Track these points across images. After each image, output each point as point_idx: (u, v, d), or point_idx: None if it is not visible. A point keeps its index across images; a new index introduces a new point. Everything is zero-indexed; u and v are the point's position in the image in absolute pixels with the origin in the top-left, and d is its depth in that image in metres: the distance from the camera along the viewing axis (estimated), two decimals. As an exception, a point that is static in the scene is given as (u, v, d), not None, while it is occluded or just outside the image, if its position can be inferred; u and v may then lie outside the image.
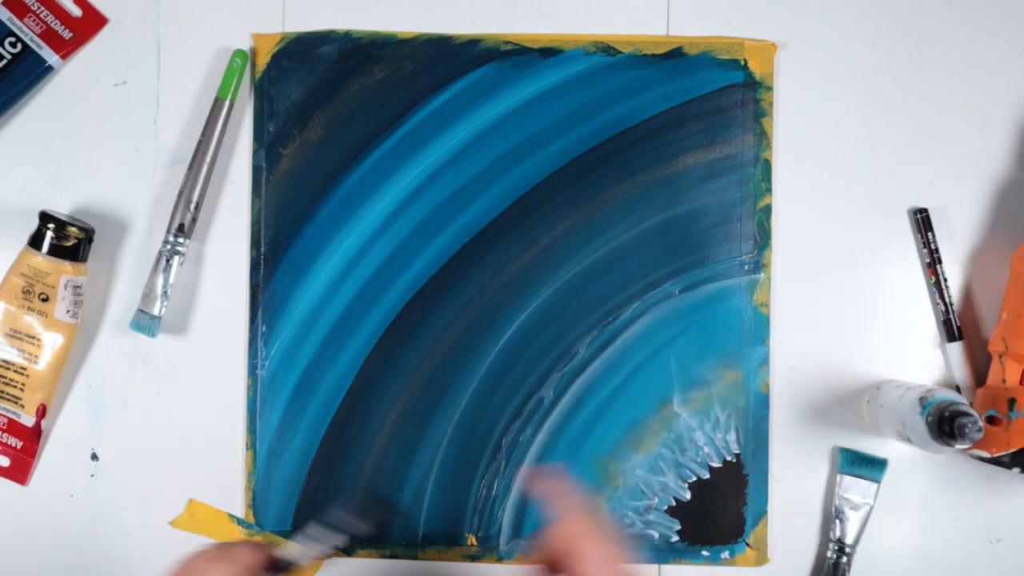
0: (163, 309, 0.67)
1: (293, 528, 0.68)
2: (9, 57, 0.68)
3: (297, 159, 0.69)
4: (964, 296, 0.69)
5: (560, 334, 0.69)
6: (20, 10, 0.68)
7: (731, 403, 0.68)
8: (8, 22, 0.68)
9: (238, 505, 0.69)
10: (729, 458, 0.68)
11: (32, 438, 0.67)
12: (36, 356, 0.66)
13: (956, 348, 0.68)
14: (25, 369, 0.66)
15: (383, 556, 0.69)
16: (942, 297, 0.68)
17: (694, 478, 0.68)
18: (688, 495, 0.68)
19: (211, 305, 0.69)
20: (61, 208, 0.69)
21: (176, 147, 0.69)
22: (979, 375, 0.68)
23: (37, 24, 0.68)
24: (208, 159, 0.67)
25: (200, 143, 0.67)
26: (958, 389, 0.68)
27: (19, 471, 0.68)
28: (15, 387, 0.66)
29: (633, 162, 0.69)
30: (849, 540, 0.67)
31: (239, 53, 0.67)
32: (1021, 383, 0.64)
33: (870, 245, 0.69)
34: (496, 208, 0.69)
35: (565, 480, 0.59)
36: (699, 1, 0.69)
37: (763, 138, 0.69)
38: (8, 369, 0.66)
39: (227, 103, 0.67)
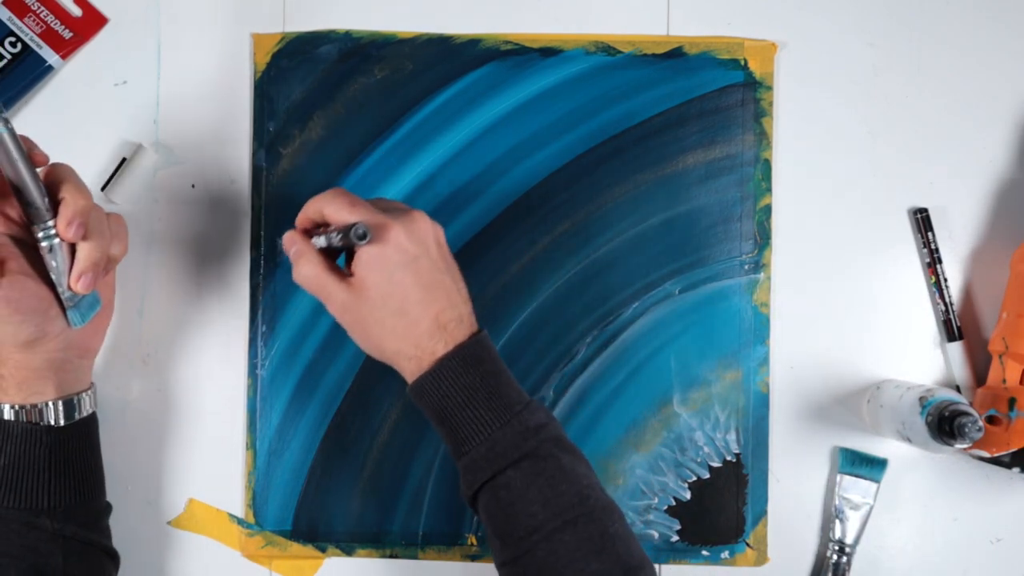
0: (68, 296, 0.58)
1: (293, 528, 0.68)
2: (9, 57, 0.68)
3: (297, 159, 0.69)
4: (964, 296, 0.69)
5: (560, 334, 0.69)
6: (20, 10, 0.68)
7: (731, 403, 0.68)
8: (8, 22, 0.68)
9: (238, 505, 0.69)
10: (729, 458, 0.68)
11: (32, 438, 0.67)
12: (36, 356, 0.66)
13: (956, 348, 0.68)
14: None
15: (383, 556, 0.68)
16: (942, 297, 0.68)
17: (694, 478, 0.68)
18: (688, 495, 0.68)
19: (211, 305, 0.69)
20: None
21: (176, 147, 0.69)
22: (979, 375, 0.68)
23: (37, 24, 0.68)
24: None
25: None
26: (958, 389, 0.68)
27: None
28: (15, 387, 0.66)
29: (633, 162, 0.69)
30: (849, 540, 0.67)
31: None
32: (1021, 383, 0.64)
33: (870, 245, 0.69)
34: (496, 208, 0.69)
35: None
36: (699, 1, 0.69)
37: (763, 138, 0.69)
38: (8, 369, 0.66)
39: None
